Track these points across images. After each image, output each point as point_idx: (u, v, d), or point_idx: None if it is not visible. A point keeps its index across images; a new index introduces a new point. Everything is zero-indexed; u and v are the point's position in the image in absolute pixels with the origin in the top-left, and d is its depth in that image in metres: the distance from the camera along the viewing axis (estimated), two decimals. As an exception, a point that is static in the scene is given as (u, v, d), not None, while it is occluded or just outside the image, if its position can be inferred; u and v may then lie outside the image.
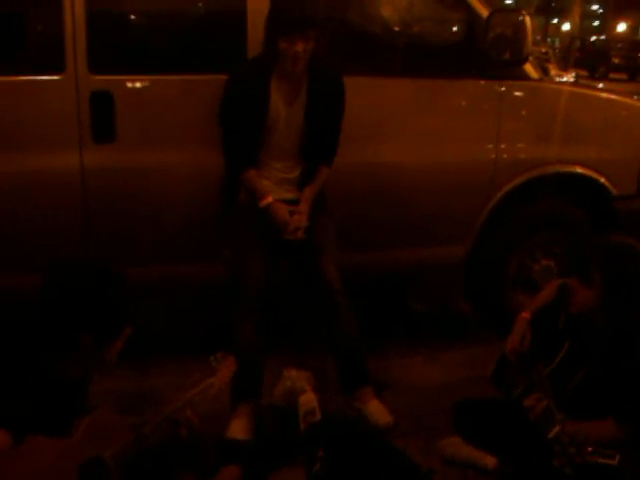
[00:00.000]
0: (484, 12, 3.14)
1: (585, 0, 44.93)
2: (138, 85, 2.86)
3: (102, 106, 2.78)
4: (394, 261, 3.33)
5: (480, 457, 2.43)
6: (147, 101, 2.88)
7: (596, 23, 51.62)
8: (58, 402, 1.84)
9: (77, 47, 2.72)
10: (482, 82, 3.25)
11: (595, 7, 51.37)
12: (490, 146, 3.29)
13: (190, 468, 2.20)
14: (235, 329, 2.64)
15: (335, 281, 2.72)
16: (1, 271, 2.84)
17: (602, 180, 3.45)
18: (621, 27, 44.88)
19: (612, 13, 46.21)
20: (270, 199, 2.73)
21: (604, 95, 3.80)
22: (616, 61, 26.51)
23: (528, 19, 3.11)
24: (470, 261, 3.43)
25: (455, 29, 3.39)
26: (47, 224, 2.83)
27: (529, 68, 3.31)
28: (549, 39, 40.90)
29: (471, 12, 3.17)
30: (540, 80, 3.41)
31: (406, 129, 3.17)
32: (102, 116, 2.79)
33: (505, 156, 3.30)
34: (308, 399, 2.47)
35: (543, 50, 22.45)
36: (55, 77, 2.75)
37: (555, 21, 47.64)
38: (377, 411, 2.73)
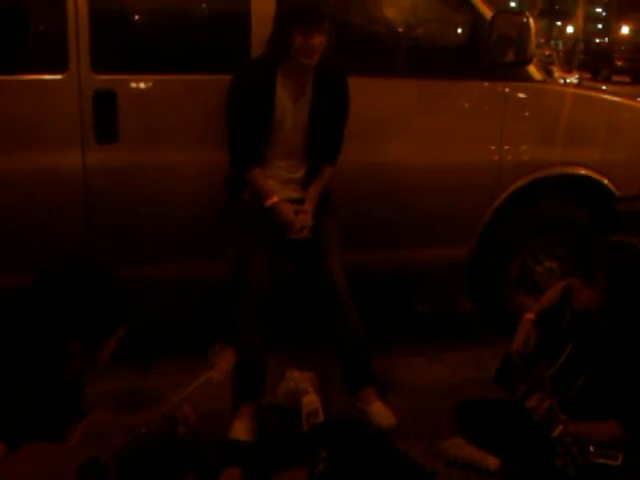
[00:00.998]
0: (488, 14, 3.13)
1: (589, 3, 44.92)
2: (141, 84, 2.86)
3: (105, 105, 2.78)
4: (397, 261, 3.32)
5: (483, 458, 2.42)
6: (150, 100, 2.87)
7: (600, 26, 51.63)
8: (53, 405, 1.82)
9: (80, 46, 2.71)
10: (486, 83, 3.25)
11: (599, 10, 51.39)
12: (494, 147, 3.28)
13: (190, 468, 2.19)
14: (238, 328, 2.63)
15: (340, 281, 2.71)
16: (2, 270, 2.84)
17: (605, 182, 3.44)
18: (625, 30, 44.88)
19: (616, 16, 46.23)
20: (275, 199, 2.73)
21: (608, 97, 3.79)
22: (619, 64, 26.53)
23: (532, 21, 3.11)
24: (473, 262, 3.43)
25: (459, 30, 3.39)
26: (49, 223, 2.82)
27: (533, 70, 3.31)
28: (552, 42, 40.89)
29: (475, 13, 3.17)
30: (544, 82, 3.41)
31: (410, 129, 3.17)
32: (105, 115, 2.78)
33: (509, 157, 3.30)
34: (311, 400, 2.46)
35: (547, 52, 22.47)
36: (58, 76, 2.75)
37: (559, 24, 47.63)
38: (380, 412, 2.72)
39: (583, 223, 3.41)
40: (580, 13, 41.28)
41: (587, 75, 22.75)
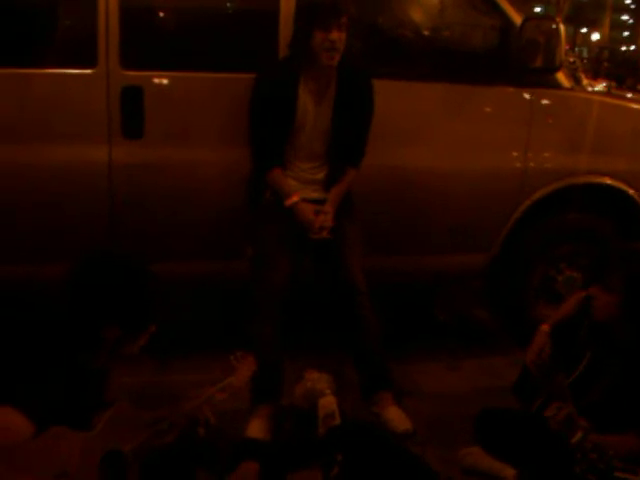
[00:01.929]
0: (518, 19, 3.11)
1: (615, 10, 44.45)
2: (169, 81, 2.87)
3: (132, 101, 2.79)
4: (419, 267, 3.30)
5: (500, 469, 2.41)
6: (177, 98, 2.89)
7: (626, 33, 51.09)
8: (80, 394, 1.84)
9: (109, 42, 2.74)
10: (514, 89, 3.22)
11: (625, 17, 50.85)
12: (519, 154, 3.26)
13: (207, 466, 2.20)
14: (256, 330, 2.63)
15: (359, 283, 2.71)
16: (27, 261, 2.86)
17: (631, 192, 3.40)
18: (651, 38, 44.33)
19: (642, 24, 45.70)
20: (296, 198, 2.72)
21: (635, 106, 3.75)
22: (645, 73, 26.21)
23: (562, 27, 3.08)
24: (494, 270, 3.40)
25: (488, 35, 3.36)
26: (74, 217, 2.85)
27: (561, 76, 3.28)
28: (577, 48, 40.54)
29: (505, 19, 3.16)
30: (572, 89, 3.37)
31: (435, 134, 3.16)
32: (132, 111, 2.80)
33: (534, 165, 3.27)
34: (328, 402, 2.45)
35: (571, 60, 22.27)
36: (87, 71, 2.77)
37: (584, 30, 47.22)
38: (396, 417, 2.71)
39: (608, 233, 3.37)
40: (606, 20, 40.87)
41: (612, 83, 22.54)
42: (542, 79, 3.23)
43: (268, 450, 2.44)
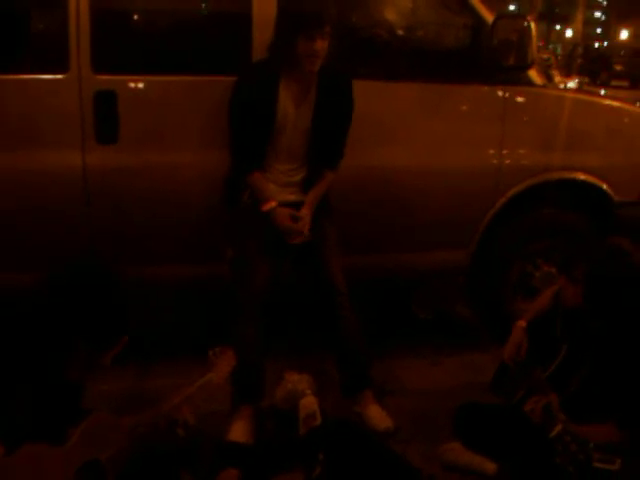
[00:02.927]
0: (489, 18, 3.13)
1: (588, 7, 44.96)
2: (142, 85, 2.86)
3: (106, 106, 2.77)
4: (397, 265, 3.32)
5: (480, 463, 2.43)
6: (151, 101, 2.87)
7: (599, 30, 51.70)
8: (53, 406, 1.81)
9: (81, 46, 2.71)
10: (486, 87, 3.25)
11: (598, 14, 51.46)
12: (494, 151, 3.28)
13: (188, 469, 2.19)
14: (237, 331, 2.63)
15: (339, 283, 2.72)
16: (2, 269, 2.83)
17: (604, 187, 3.44)
18: (624, 34, 44.96)
19: (615, 20, 46.31)
20: (273, 203, 2.72)
21: (607, 102, 3.80)
22: (618, 68, 26.54)
23: (533, 25, 3.11)
24: (472, 266, 3.43)
25: (460, 34, 3.39)
26: (49, 223, 2.83)
27: (533, 74, 3.31)
28: (551, 45, 40.93)
29: (476, 17, 3.17)
30: (544, 86, 3.41)
31: (410, 133, 3.17)
32: (105, 116, 2.78)
33: (508, 162, 3.30)
34: (309, 402, 2.45)
35: (545, 56, 22.49)
36: (59, 76, 2.75)
37: (558, 28, 47.71)
38: (377, 415, 2.73)
39: (583, 228, 3.41)
40: (579, 17, 41.32)
41: (586, 79, 22.78)
42: (515, 77, 3.26)
43: (250, 454, 2.43)
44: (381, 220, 3.18)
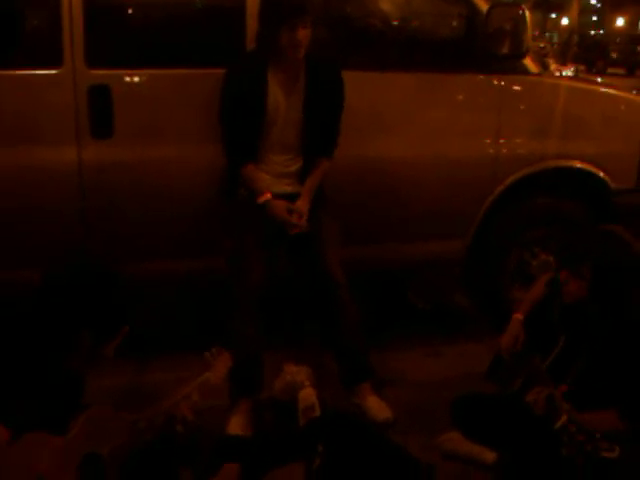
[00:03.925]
0: (484, 6, 3.13)
1: (583, -5, 44.84)
2: (136, 79, 2.85)
3: (100, 100, 2.76)
4: (394, 255, 3.32)
5: (479, 452, 2.43)
6: (145, 95, 2.86)
7: (594, 18, 51.59)
8: (56, 398, 1.83)
9: (75, 41, 2.70)
10: (482, 76, 3.24)
11: (593, 2, 51.31)
12: (490, 140, 3.28)
13: (188, 465, 2.20)
14: (235, 325, 2.63)
15: (338, 276, 2.71)
16: (-1, 266, 2.83)
17: (601, 174, 3.44)
18: (619, 22, 44.88)
19: (610, 8, 46.19)
20: (268, 195, 2.70)
21: (603, 90, 3.79)
22: (614, 56, 26.51)
23: (528, 13, 3.10)
24: (470, 256, 3.43)
25: (455, 23, 3.38)
26: (44, 218, 2.82)
27: (529, 62, 3.30)
28: (547, 34, 40.88)
29: (471, 6, 3.17)
30: (539, 75, 3.40)
31: (406, 123, 3.16)
32: (100, 110, 2.77)
33: (505, 150, 3.29)
34: (308, 394, 2.46)
35: (541, 45, 22.48)
36: (53, 71, 2.73)
37: (553, 16, 47.59)
38: (376, 406, 2.73)
39: (580, 216, 3.41)
40: (575, 5, 41.17)
41: (582, 67, 22.75)
42: (510, 66, 3.24)
43: (249, 447, 2.44)
44: (378, 211, 3.18)
